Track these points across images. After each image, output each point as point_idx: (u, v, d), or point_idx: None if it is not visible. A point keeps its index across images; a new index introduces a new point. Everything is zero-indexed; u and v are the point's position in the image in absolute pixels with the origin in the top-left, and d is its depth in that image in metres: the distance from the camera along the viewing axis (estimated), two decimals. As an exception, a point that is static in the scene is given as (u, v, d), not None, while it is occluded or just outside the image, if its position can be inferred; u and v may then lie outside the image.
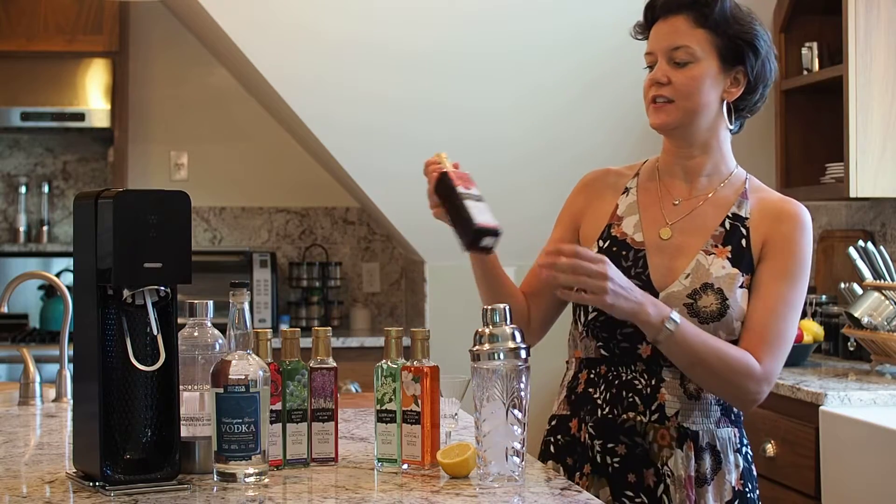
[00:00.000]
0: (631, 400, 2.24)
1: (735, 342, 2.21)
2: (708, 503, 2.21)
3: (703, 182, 2.32)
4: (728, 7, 2.24)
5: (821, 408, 3.38)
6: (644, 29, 2.33)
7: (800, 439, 3.49)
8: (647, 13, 2.31)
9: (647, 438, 2.22)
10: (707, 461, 2.22)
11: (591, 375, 2.29)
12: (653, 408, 2.22)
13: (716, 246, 2.25)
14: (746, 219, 2.27)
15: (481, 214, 2.19)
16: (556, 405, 2.38)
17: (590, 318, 2.27)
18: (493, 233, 2.19)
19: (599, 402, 2.27)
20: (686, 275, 2.24)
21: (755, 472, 2.30)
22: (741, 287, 2.21)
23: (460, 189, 2.22)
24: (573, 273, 2.10)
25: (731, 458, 2.24)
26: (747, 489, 2.25)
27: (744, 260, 2.23)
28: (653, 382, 2.23)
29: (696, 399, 2.23)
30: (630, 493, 2.22)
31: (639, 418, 2.23)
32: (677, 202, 2.31)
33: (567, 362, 2.39)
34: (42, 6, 5.36)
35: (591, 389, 2.29)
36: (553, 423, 2.36)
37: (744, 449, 2.27)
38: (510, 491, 2.00)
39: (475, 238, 2.20)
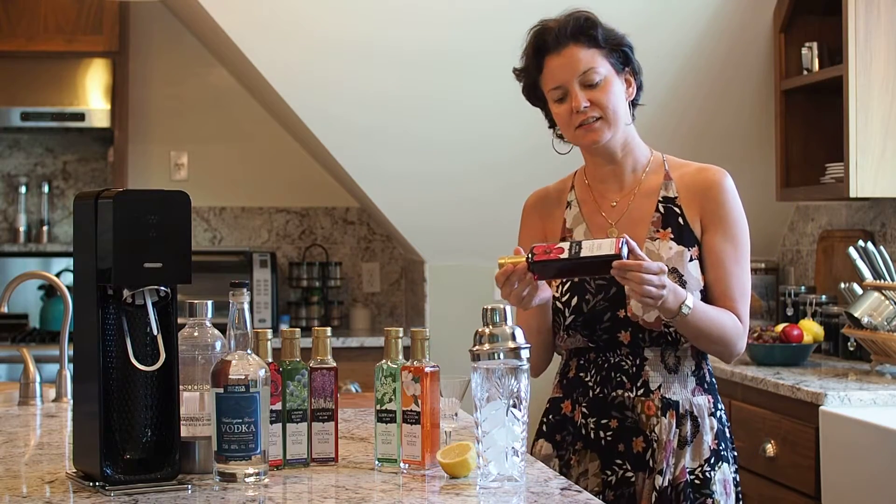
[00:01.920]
0: (619, 379, 2.46)
1: None
2: (686, 462, 2.42)
3: (629, 177, 2.54)
4: (600, 24, 2.49)
5: (821, 408, 3.39)
6: (531, 71, 2.53)
7: (800, 439, 3.49)
8: (536, 55, 2.50)
9: (635, 411, 2.45)
10: (688, 426, 2.45)
11: (582, 362, 2.51)
12: (638, 384, 2.45)
13: (658, 231, 2.48)
14: (676, 198, 2.50)
15: (602, 248, 2.26)
16: (552, 390, 2.59)
17: (568, 322, 2.48)
18: (625, 243, 2.25)
19: (591, 384, 2.49)
20: None
21: (729, 434, 2.51)
22: (690, 260, 2.45)
23: (565, 256, 2.27)
24: (642, 284, 2.26)
25: (707, 421, 2.46)
26: (721, 448, 2.47)
27: (685, 236, 2.46)
28: (637, 362, 2.46)
29: (675, 372, 2.47)
30: (619, 461, 2.44)
31: (627, 394, 2.45)
32: (614, 203, 2.53)
33: (560, 354, 2.59)
34: (42, 6, 5.36)
35: (582, 374, 2.50)
36: (548, 404, 2.57)
37: (718, 413, 2.50)
38: (510, 491, 2.00)
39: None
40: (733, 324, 2.44)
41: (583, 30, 2.46)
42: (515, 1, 4.50)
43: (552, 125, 2.58)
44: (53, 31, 5.35)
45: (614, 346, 2.46)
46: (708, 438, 2.45)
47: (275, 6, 4.45)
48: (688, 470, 2.42)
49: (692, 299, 2.35)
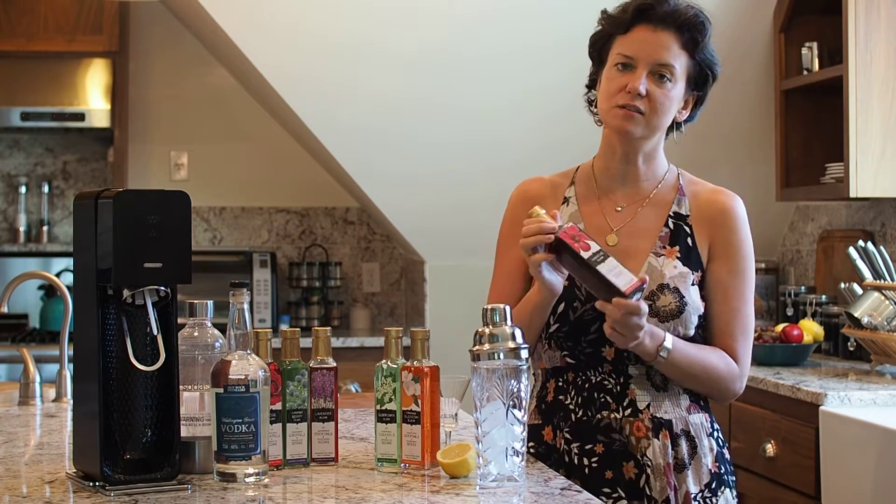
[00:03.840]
0: (603, 400, 2.30)
1: (693, 339, 2.30)
2: (689, 487, 2.28)
3: (642, 186, 2.38)
4: (710, 37, 2.31)
5: (821, 408, 3.38)
6: (621, 25, 2.31)
7: (800, 439, 3.49)
8: (636, 13, 2.30)
9: (623, 433, 2.28)
10: (684, 447, 2.29)
11: (560, 383, 2.35)
12: (625, 403, 2.29)
13: (664, 247, 2.33)
14: (687, 216, 2.35)
15: (620, 276, 2.15)
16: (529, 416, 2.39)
17: (551, 330, 2.32)
18: (639, 288, 2.16)
19: (572, 406, 2.32)
20: None
21: (728, 456, 2.37)
22: (692, 285, 2.30)
23: (584, 254, 2.16)
24: (622, 327, 2.16)
25: (706, 442, 2.32)
26: (722, 471, 2.33)
27: (692, 259, 2.32)
28: (621, 380, 2.30)
29: (665, 390, 2.31)
30: (607, 490, 2.27)
31: (613, 416, 2.29)
32: (620, 208, 2.37)
33: (534, 374, 2.42)
34: (42, 6, 5.36)
35: (561, 397, 2.34)
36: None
37: (715, 433, 2.35)
38: (510, 491, 2.00)
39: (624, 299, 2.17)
40: (725, 365, 2.30)
41: (692, 27, 2.28)
42: (515, 2, 4.51)
43: (591, 87, 2.39)
44: (53, 31, 5.35)
45: (596, 362, 2.30)
46: (707, 461, 2.30)
47: (275, 7, 4.45)
48: (693, 494, 2.27)
49: (671, 340, 2.23)
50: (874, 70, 3.97)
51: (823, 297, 4.34)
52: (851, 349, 4.07)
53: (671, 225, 2.34)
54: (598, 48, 2.36)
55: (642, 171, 2.37)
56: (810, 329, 4.10)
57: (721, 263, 2.33)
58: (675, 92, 2.29)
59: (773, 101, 4.56)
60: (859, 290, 3.90)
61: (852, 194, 3.99)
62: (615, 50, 2.31)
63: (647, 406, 2.29)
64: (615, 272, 2.15)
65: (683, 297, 2.28)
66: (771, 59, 4.57)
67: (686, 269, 2.30)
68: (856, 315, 3.82)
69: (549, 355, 2.35)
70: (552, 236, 2.17)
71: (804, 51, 4.33)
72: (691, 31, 2.28)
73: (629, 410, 2.29)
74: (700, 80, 2.32)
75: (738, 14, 4.53)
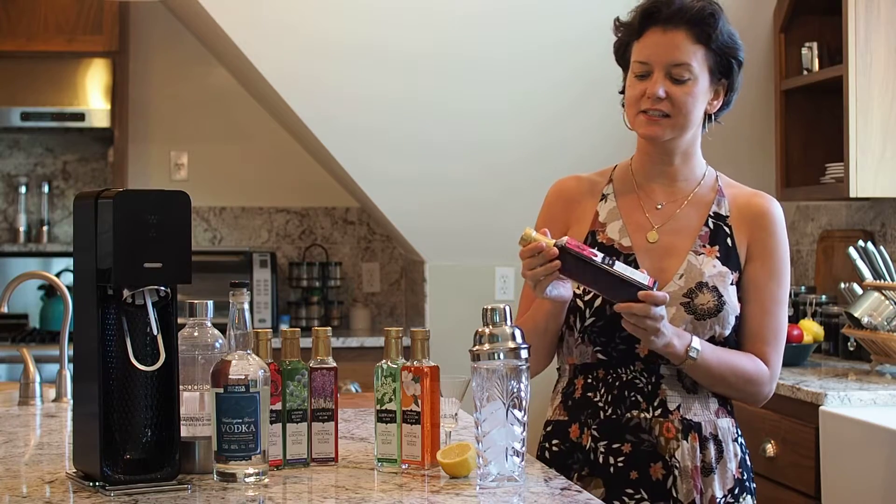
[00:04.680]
0: (633, 399, 2.28)
1: (726, 342, 2.30)
2: (715, 491, 2.27)
3: (681, 185, 2.38)
4: (724, 24, 2.30)
5: (821, 408, 3.38)
6: (634, 31, 2.33)
7: (800, 439, 3.49)
8: (643, 19, 2.31)
9: (653, 433, 2.27)
10: (711, 450, 2.28)
11: (589, 380, 2.33)
12: (655, 403, 2.28)
13: (704, 246, 2.33)
14: (727, 217, 2.36)
15: (636, 274, 2.16)
16: (550, 411, 2.40)
17: (587, 324, 2.30)
18: (654, 286, 2.16)
19: (601, 404, 2.30)
20: (680, 275, 2.31)
21: (749, 463, 2.36)
22: (731, 284, 2.30)
23: (598, 259, 2.16)
24: (641, 321, 2.15)
25: (731, 447, 2.31)
26: (745, 478, 2.32)
27: (731, 259, 2.33)
28: (653, 379, 2.29)
29: (695, 392, 2.30)
30: (630, 491, 2.26)
31: (643, 415, 2.28)
32: (660, 206, 2.37)
33: (558, 369, 2.42)
34: (42, 6, 5.36)
35: (590, 394, 2.32)
36: (549, 428, 2.38)
37: (739, 439, 2.35)
38: (510, 491, 2.00)
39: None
40: (754, 368, 2.30)
41: (701, 21, 2.26)
42: (515, 3, 4.51)
43: (623, 92, 2.39)
44: (53, 31, 5.35)
45: (629, 360, 2.28)
46: (732, 466, 2.29)
47: (275, 7, 4.45)
48: (717, 499, 2.26)
49: (699, 342, 2.22)
50: (874, 70, 3.97)
51: (823, 297, 4.34)
52: (851, 349, 4.07)
53: (711, 225, 2.34)
54: (621, 55, 2.38)
55: (680, 169, 2.37)
56: (810, 329, 4.10)
57: (757, 265, 2.33)
58: (699, 88, 2.28)
59: (773, 101, 4.56)
60: (859, 290, 3.90)
61: (852, 194, 3.99)
62: (633, 56, 2.32)
63: (678, 407, 2.28)
64: (629, 271, 2.16)
65: (722, 296, 2.28)
66: (771, 59, 4.57)
67: (725, 269, 2.30)
68: (856, 315, 3.82)
69: (580, 350, 2.33)
70: (557, 262, 2.16)
71: (804, 51, 4.33)
72: (701, 25, 2.27)
73: (659, 411, 2.28)
74: (723, 68, 2.30)
75: (738, 14, 4.53)
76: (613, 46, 2.39)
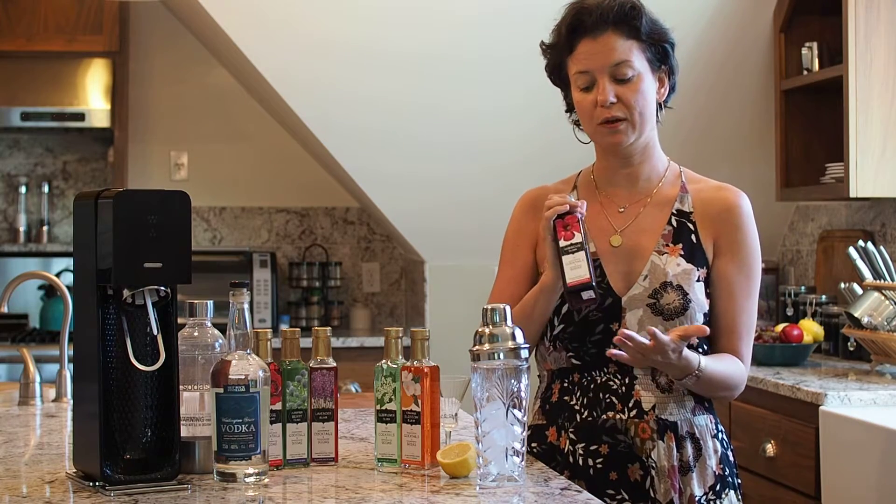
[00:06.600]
0: (608, 401, 2.30)
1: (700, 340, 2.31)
2: (694, 490, 2.27)
3: (643, 185, 2.38)
4: (647, 14, 2.30)
5: (821, 408, 3.39)
6: (560, 50, 2.34)
7: (800, 439, 3.49)
8: (570, 34, 2.31)
9: (628, 434, 2.28)
10: (689, 449, 2.29)
11: (565, 384, 2.35)
12: (630, 405, 2.29)
13: (667, 245, 2.32)
14: (690, 213, 2.35)
15: (574, 270, 2.17)
16: (530, 415, 2.40)
17: (556, 332, 2.33)
18: (586, 286, 2.17)
19: (577, 407, 2.32)
20: (644, 276, 2.31)
21: (732, 458, 2.36)
22: (697, 281, 2.30)
23: (561, 242, 2.20)
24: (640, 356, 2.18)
25: (710, 443, 2.31)
26: (727, 473, 2.32)
27: (696, 256, 2.32)
28: (626, 381, 2.30)
29: (669, 392, 2.30)
30: (611, 492, 2.27)
31: (618, 416, 2.29)
32: (622, 209, 2.37)
33: (539, 376, 2.44)
34: (42, 6, 5.36)
35: (566, 397, 2.34)
36: (529, 432, 2.37)
37: (720, 434, 2.35)
38: (510, 491, 2.00)
39: (571, 296, 2.20)
40: (738, 371, 2.31)
41: (626, 17, 2.27)
42: (515, 4, 4.50)
43: (570, 110, 2.42)
44: (53, 31, 5.35)
45: (601, 363, 2.29)
46: (712, 462, 2.29)
47: (275, 7, 4.45)
48: (697, 497, 2.26)
49: (704, 361, 2.22)
50: (874, 70, 3.97)
51: (823, 297, 4.34)
52: (851, 349, 4.07)
53: (674, 223, 2.34)
54: (557, 77, 2.40)
55: (642, 168, 2.37)
56: (810, 329, 4.10)
57: (727, 260, 2.32)
58: (645, 83, 2.29)
59: (773, 101, 4.56)
60: (859, 290, 3.90)
61: (852, 194, 3.99)
62: (571, 71, 2.33)
63: (653, 407, 2.28)
64: (573, 265, 2.17)
65: (687, 294, 2.28)
66: (771, 59, 4.57)
67: (690, 266, 2.30)
68: (856, 315, 3.82)
69: (554, 357, 2.35)
70: (567, 207, 2.21)
71: (804, 51, 4.33)
72: (627, 21, 2.28)
73: (634, 412, 2.28)
74: (660, 55, 2.31)
75: (738, 14, 4.53)
76: (546, 69, 2.41)
